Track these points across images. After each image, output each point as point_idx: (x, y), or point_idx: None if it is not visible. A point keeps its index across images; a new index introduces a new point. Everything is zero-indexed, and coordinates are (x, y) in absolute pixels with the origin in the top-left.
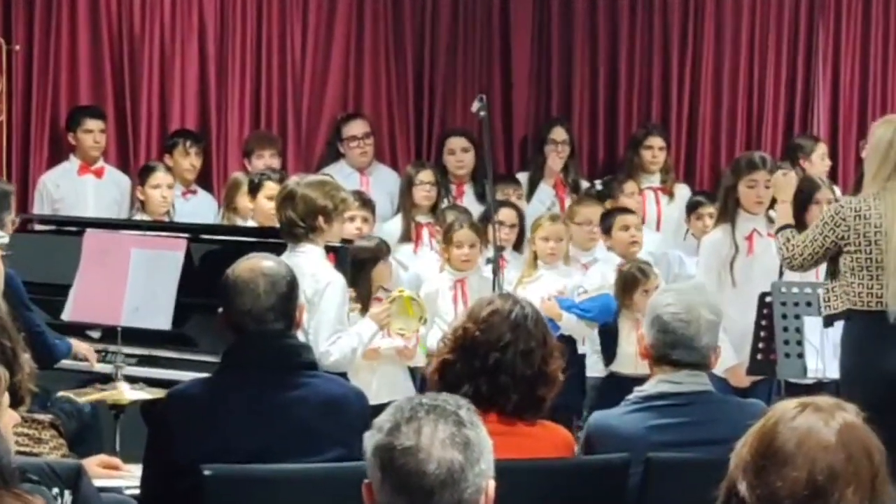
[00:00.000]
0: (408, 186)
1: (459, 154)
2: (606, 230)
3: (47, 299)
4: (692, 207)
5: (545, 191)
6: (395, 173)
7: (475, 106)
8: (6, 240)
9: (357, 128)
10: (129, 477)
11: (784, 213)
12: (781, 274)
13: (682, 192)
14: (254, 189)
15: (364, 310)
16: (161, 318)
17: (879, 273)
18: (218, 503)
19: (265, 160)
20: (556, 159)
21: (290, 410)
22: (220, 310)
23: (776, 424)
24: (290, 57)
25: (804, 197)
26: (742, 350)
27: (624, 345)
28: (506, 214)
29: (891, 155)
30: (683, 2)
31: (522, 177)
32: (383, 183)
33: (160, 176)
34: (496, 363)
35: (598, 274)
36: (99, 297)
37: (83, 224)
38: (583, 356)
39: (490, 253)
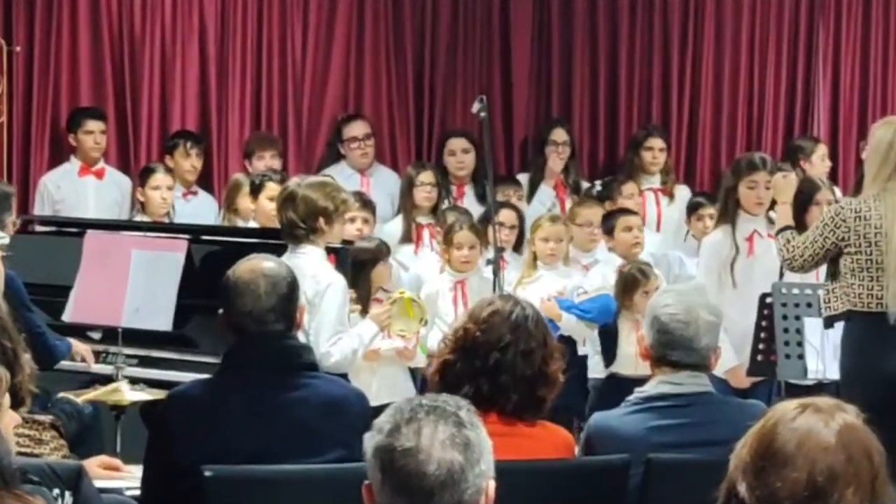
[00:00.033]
0: (408, 187)
1: (460, 155)
2: (609, 231)
3: (48, 300)
4: (692, 208)
5: (546, 192)
6: (395, 174)
7: (475, 107)
8: (7, 241)
9: (357, 129)
10: (130, 478)
11: (784, 215)
12: (782, 275)
13: (683, 193)
14: (255, 190)
15: (364, 311)
16: (161, 319)
17: (880, 274)
18: None
19: (266, 161)
20: (556, 160)
21: (291, 411)
22: (221, 311)
23: (776, 425)
24: (290, 58)
25: (804, 198)
26: (742, 351)
27: (624, 346)
28: (505, 215)
29: (891, 156)
30: (683, 2)
31: (523, 178)
32: (384, 184)
33: (160, 177)
34: (496, 363)
35: (599, 275)
36: (99, 298)
37: (84, 225)
38: (584, 357)
39: (490, 254)
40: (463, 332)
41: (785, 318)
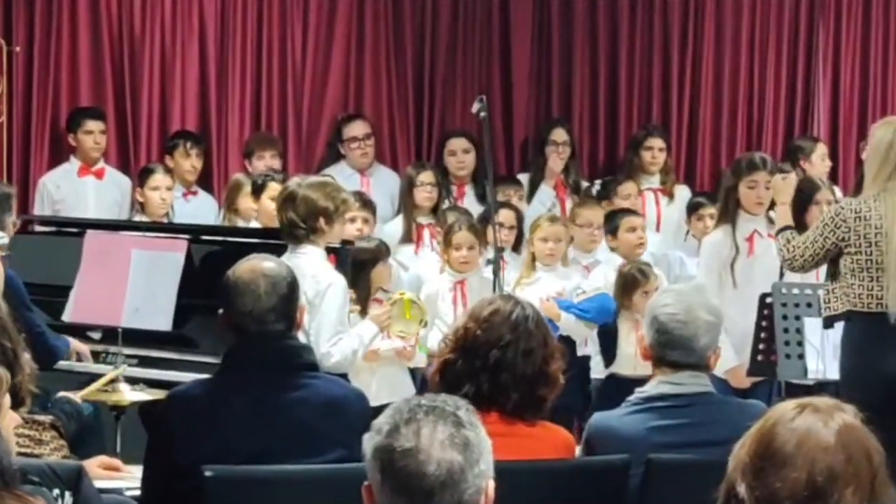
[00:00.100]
0: (409, 188)
1: (460, 155)
2: (612, 231)
3: (48, 300)
4: (693, 208)
5: (546, 192)
6: (395, 174)
7: (475, 107)
8: (7, 241)
9: (357, 129)
10: (130, 478)
11: (783, 215)
12: (782, 275)
13: (682, 193)
14: (257, 190)
15: (363, 311)
16: (161, 320)
17: (880, 274)
18: None
19: (266, 161)
20: (556, 160)
21: (291, 411)
22: (221, 311)
23: (775, 426)
24: (290, 58)
25: (804, 198)
26: (743, 351)
27: (623, 346)
28: (504, 216)
29: (891, 156)
30: (683, 2)
31: (523, 178)
32: (384, 184)
33: (159, 178)
34: (497, 362)
35: (601, 276)
36: (99, 299)
37: (84, 225)
38: (585, 358)
39: (490, 254)
40: (463, 331)
41: (785, 318)
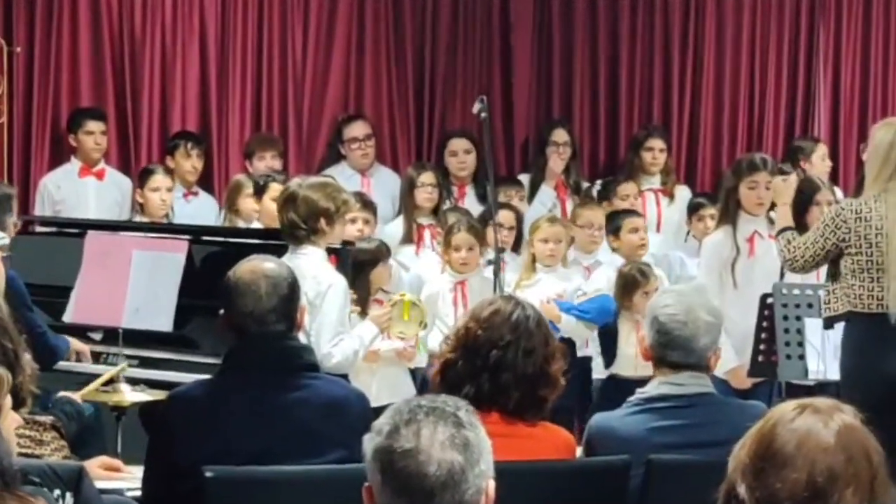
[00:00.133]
0: (409, 188)
1: (462, 155)
2: (614, 232)
3: (49, 301)
4: (693, 209)
5: (546, 193)
6: (396, 175)
7: (476, 107)
8: (8, 241)
9: (358, 129)
10: (131, 478)
11: (783, 216)
12: (782, 275)
13: (683, 193)
14: (259, 191)
15: (363, 312)
16: (162, 320)
17: (880, 275)
18: None
19: (266, 162)
20: (557, 161)
21: (292, 412)
22: (222, 311)
23: (775, 426)
24: (291, 58)
25: (804, 198)
26: (743, 352)
27: (624, 346)
28: (504, 216)
29: (891, 157)
30: (684, 2)
31: (524, 179)
32: (384, 184)
33: (159, 179)
34: (498, 361)
35: (602, 277)
36: (100, 299)
37: (84, 226)
38: (586, 359)
39: (491, 255)
40: (464, 331)
41: (786, 318)
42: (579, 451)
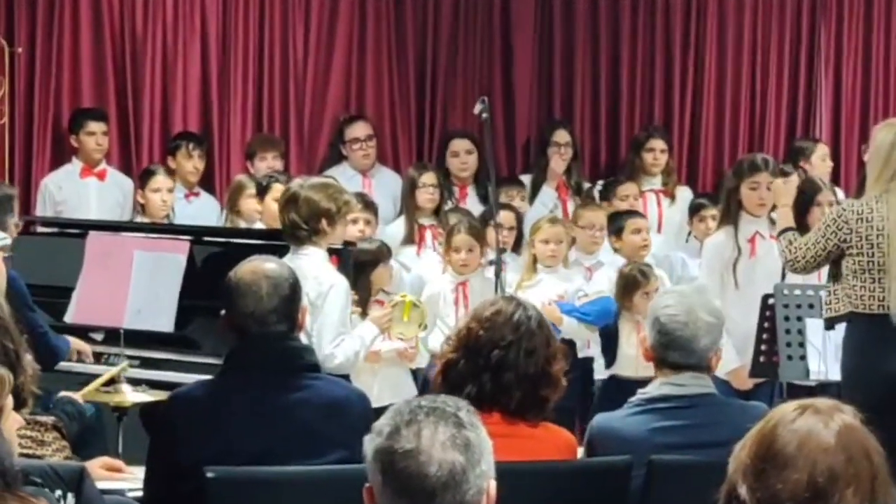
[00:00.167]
0: (411, 189)
1: (464, 156)
2: (616, 232)
3: (50, 301)
4: (694, 210)
5: (548, 193)
6: (397, 175)
7: (477, 108)
8: (9, 242)
9: (359, 130)
10: (132, 479)
11: (784, 217)
12: (784, 276)
13: (684, 194)
14: (262, 191)
15: (364, 312)
16: (164, 321)
17: (882, 276)
18: None
19: (268, 162)
20: (558, 162)
21: (293, 412)
22: (223, 312)
23: (776, 427)
24: (292, 58)
25: (806, 199)
26: (745, 352)
27: (624, 347)
28: (503, 217)
29: (892, 158)
30: (686, 3)
31: (525, 179)
32: (386, 185)
33: (160, 179)
34: (499, 361)
35: (604, 278)
36: (102, 300)
37: (86, 226)
38: (588, 359)
39: (491, 255)
40: (466, 331)
41: (787, 319)
42: (580, 452)
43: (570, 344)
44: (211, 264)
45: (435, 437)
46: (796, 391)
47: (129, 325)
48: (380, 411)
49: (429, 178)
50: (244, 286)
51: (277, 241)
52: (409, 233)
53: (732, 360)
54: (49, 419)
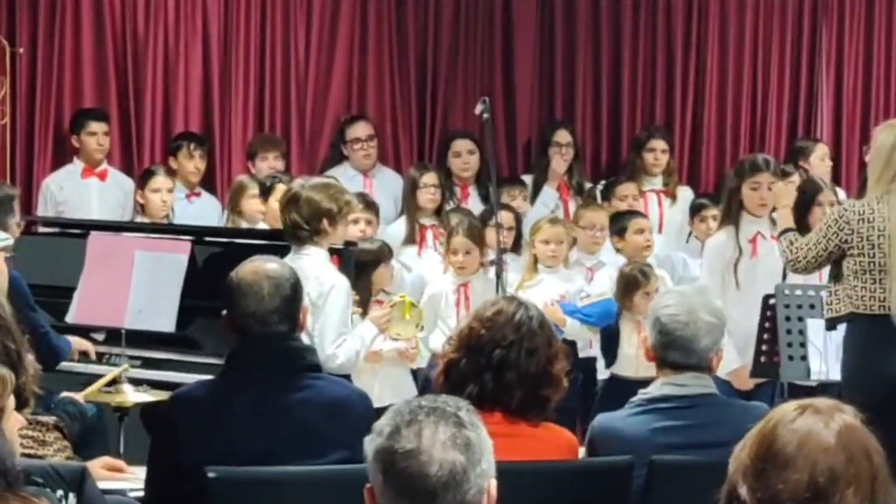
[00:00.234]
0: (412, 189)
1: (465, 156)
2: (619, 232)
3: (52, 301)
4: (696, 210)
5: (549, 193)
6: (398, 175)
7: (479, 108)
8: (10, 242)
9: (361, 130)
10: (134, 479)
11: (785, 217)
12: (785, 276)
13: (685, 194)
14: (265, 192)
15: (364, 313)
16: (165, 321)
17: (883, 277)
18: None
19: (269, 162)
20: (559, 162)
21: (294, 412)
22: (224, 312)
23: (776, 427)
24: (293, 59)
25: (806, 199)
26: (746, 352)
27: (625, 347)
28: (503, 217)
29: (893, 159)
30: (687, 3)
31: (526, 179)
32: (387, 185)
33: (160, 180)
34: (501, 360)
35: (606, 279)
36: (103, 300)
37: (87, 226)
38: (591, 360)
39: (492, 255)
40: (468, 331)
41: (788, 319)
42: (582, 452)
43: (571, 344)
44: (212, 264)
45: (435, 436)
46: (797, 391)
47: (130, 325)
48: (380, 411)
49: (430, 178)
50: (245, 286)
51: (279, 242)
52: (410, 233)
53: (733, 360)
54: (50, 419)
